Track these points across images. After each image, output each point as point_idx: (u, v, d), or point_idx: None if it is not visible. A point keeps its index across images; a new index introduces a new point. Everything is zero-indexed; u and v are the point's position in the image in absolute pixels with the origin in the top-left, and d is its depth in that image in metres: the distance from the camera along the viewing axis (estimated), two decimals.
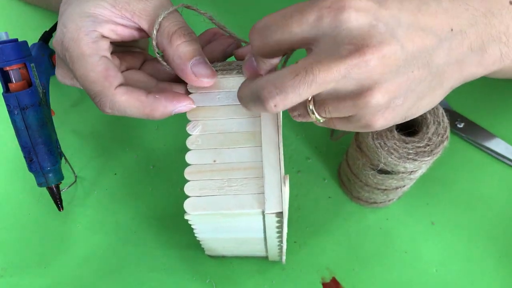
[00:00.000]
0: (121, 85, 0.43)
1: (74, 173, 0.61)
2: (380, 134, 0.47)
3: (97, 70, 0.42)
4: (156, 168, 0.62)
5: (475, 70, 0.39)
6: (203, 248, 0.53)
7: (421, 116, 0.48)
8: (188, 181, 0.41)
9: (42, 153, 0.54)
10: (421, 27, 0.36)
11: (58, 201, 0.56)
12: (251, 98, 0.37)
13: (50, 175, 0.55)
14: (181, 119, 0.45)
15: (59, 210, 0.56)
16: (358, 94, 0.35)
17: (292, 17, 0.35)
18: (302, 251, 0.57)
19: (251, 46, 0.39)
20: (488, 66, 0.40)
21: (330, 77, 0.34)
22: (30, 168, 0.54)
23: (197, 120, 0.44)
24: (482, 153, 0.61)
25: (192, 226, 0.44)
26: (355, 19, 0.34)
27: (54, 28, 0.69)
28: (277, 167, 0.40)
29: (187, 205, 0.40)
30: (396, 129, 0.47)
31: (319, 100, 0.37)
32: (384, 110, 0.37)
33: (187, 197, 0.41)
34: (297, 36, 0.36)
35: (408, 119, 0.39)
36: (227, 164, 0.42)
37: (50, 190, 0.56)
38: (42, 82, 0.56)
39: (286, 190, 0.40)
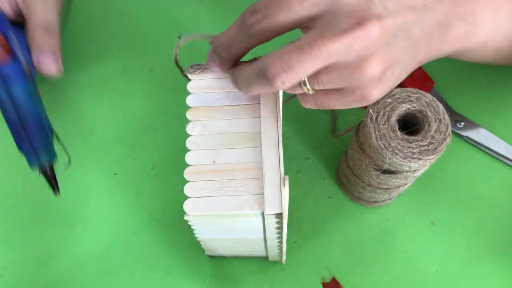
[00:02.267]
0: None
1: (68, 154, 0.56)
2: (383, 135, 0.47)
3: None
4: (156, 168, 0.62)
5: (440, 46, 0.43)
6: (203, 248, 0.53)
7: (422, 114, 0.48)
8: (187, 181, 0.41)
9: (32, 130, 0.50)
10: (403, 2, 0.38)
11: (54, 184, 0.52)
12: (256, 78, 0.39)
13: (42, 153, 0.50)
14: (181, 120, 0.45)
15: (56, 194, 0.52)
16: (355, 64, 0.37)
17: None
18: (302, 251, 0.57)
19: (243, 27, 0.39)
20: (452, 42, 0.43)
21: (334, 51, 0.36)
22: (21, 148, 0.50)
23: (197, 121, 0.44)
24: (482, 153, 0.61)
25: (192, 227, 0.44)
26: None
27: None
28: (277, 168, 0.40)
29: (186, 206, 0.40)
30: (398, 128, 0.48)
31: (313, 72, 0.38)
32: (378, 82, 0.39)
33: (187, 197, 0.41)
34: (298, 15, 0.37)
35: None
36: (226, 164, 0.42)
37: (44, 172, 0.51)
38: (26, 56, 0.53)
39: (286, 191, 0.40)
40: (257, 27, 0.38)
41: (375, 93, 0.39)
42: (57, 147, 0.54)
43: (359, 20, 0.36)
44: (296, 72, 0.37)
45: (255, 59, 0.43)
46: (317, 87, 0.39)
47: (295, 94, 0.47)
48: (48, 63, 0.56)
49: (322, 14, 0.37)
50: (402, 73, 0.41)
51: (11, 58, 0.50)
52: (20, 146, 0.50)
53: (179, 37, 0.44)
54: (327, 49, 0.36)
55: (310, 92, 0.40)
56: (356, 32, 0.35)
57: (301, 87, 0.40)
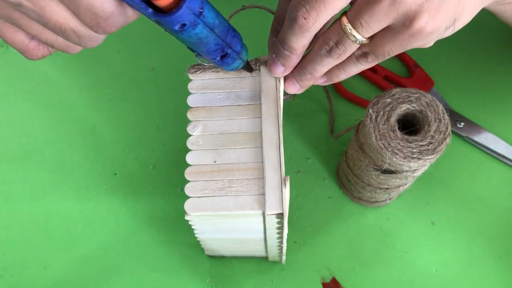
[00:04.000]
0: None
1: None
2: (383, 135, 0.47)
3: None
4: (156, 168, 0.62)
5: None
6: (203, 248, 0.53)
7: (422, 114, 0.48)
8: (188, 181, 0.41)
9: (233, 39, 0.45)
10: None
11: (250, 67, 0.48)
12: (287, 25, 0.37)
13: (243, 52, 0.46)
14: (182, 120, 0.45)
15: (252, 71, 0.48)
16: None
17: None
18: (302, 251, 0.57)
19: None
20: None
21: None
22: (226, 63, 0.46)
23: (198, 121, 0.44)
24: (482, 153, 0.61)
25: (193, 227, 0.44)
26: None
27: None
28: (278, 168, 0.40)
29: (187, 206, 0.40)
30: (398, 128, 0.48)
31: (352, 14, 0.36)
32: (428, 6, 0.35)
33: (187, 197, 0.41)
34: None
35: (458, 25, 0.38)
36: (227, 164, 0.42)
37: (246, 65, 0.48)
38: None
39: (287, 191, 0.39)
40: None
41: (431, 22, 0.35)
42: None
43: None
44: (313, 3, 0.35)
45: None
46: (362, 31, 0.36)
47: (292, 95, 0.47)
48: None
49: None
50: (463, 8, 0.37)
51: None
52: (225, 62, 0.45)
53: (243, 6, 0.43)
54: None
55: (359, 40, 0.37)
56: None
57: (347, 35, 0.37)
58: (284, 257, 0.53)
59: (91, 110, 0.66)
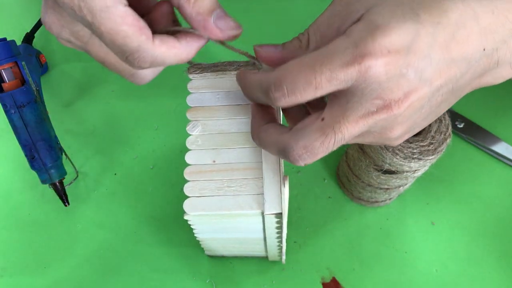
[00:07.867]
0: (153, 35, 0.37)
1: (75, 168, 0.61)
2: None
3: (128, 22, 0.35)
4: (156, 168, 0.62)
5: (492, 80, 0.39)
6: (203, 248, 0.53)
7: None
8: (187, 181, 0.41)
9: (43, 149, 0.54)
10: (452, 59, 0.34)
11: (63, 196, 0.56)
12: (278, 152, 0.37)
13: (53, 171, 0.55)
14: (181, 120, 0.45)
15: (65, 205, 0.57)
16: (379, 132, 0.36)
17: (322, 73, 0.34)
18: (302, 251, 0.57)
19: (267, 97, 0.37)
20: (507, 77, 0.39)
21: (357, 132, 0.35)
22: (33, 166, 0.54)
23: (197, 120, 0.44)
24: (482, 153, 0.61)
25: (192, 227, 0.44)
26: (385, 72, 0.33)
27: (35, 29, 0.69)
28: (277, 167, 0.40)
29: (186, 205, 0.40)
30: None
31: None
32: (403, 136, 0.38)
33: (187, 197, 0.41)
34: (325, 91, 0.35)
35: None
36: (226, 164, 0.42)
37: (54, 186, 0.56)
38: (34, 80, 0.56)
39: (286, 191, 0.39)
40: (282, 102, 0.36)
41: (398, 142, 0.38)
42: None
43: (386, 102, 0.33)
44: (318, 155, 0.36)
45: None
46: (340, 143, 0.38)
47: None
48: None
49: (349, 89, 0.34)
50: (437, 116, 0.40)
51: (22, 84, 0.54)
52: (32, 164, 0.54)
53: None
54: (351, 132, 0.34)
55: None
56: (381, 115, 0.34)
57: None
58: (284, 257, 0.53)
59: (91, 110, 0.66)
